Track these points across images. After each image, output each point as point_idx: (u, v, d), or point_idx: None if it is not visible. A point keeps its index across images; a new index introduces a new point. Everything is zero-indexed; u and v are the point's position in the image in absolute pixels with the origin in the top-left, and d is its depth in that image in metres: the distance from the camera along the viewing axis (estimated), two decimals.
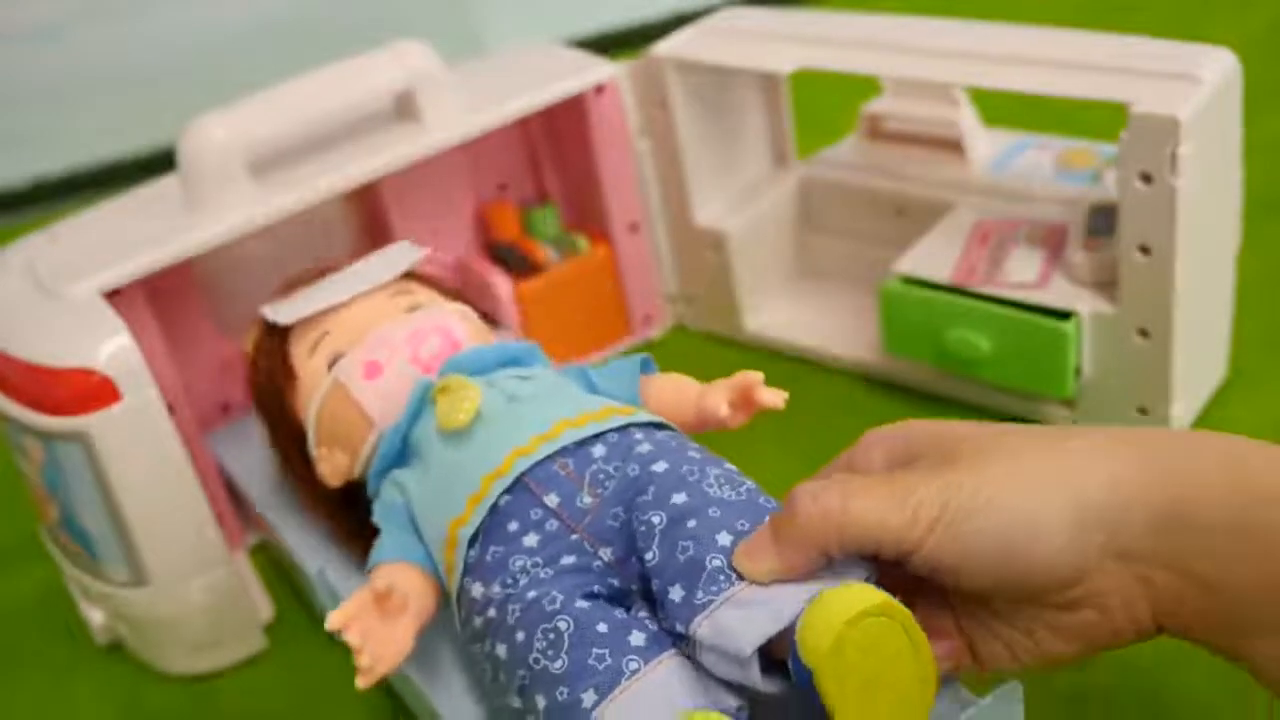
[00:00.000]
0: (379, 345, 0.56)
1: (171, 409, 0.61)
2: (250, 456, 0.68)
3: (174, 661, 0.65)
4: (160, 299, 0.67)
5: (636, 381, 0.54)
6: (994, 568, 0.40)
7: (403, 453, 0.54)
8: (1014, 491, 0.40)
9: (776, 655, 0.41)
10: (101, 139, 1.29)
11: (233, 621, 0.64)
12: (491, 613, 0.45)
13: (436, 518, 0.49)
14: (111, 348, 0.57)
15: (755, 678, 0.40)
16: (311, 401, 0.57)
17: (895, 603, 0.39)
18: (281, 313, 0.59)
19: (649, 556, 0.44)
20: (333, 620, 0.46)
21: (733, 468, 0.47)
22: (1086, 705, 0.54)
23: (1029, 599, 0.41)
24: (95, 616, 0.65)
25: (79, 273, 0.61)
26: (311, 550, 0.61)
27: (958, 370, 0.69)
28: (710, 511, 0.44)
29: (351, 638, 0.45)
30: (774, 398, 0.52)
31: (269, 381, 0.60)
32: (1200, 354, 0.66)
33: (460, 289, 0.64)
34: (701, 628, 0.41)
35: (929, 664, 0.40)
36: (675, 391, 0.54)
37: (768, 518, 0.43)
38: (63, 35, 1.26)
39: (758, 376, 0.52)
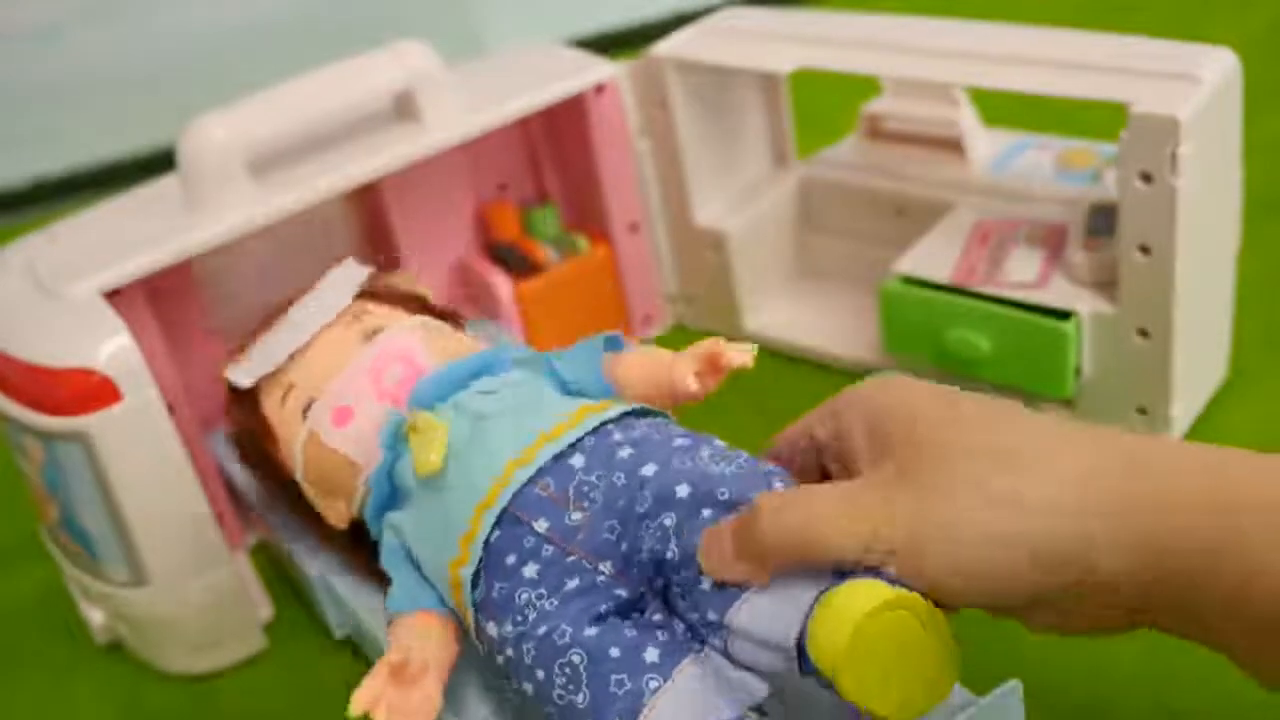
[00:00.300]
0: (344, 390, 0.55)
1: (171, 409, 0.61)
2: None
3: (174, 661, 0.65)
4: (160, 299, 0.67)
5: (598, 365, 0.53)
6: (956, 593, 0.40)
7: (393, 493, 0.53)
8: (978, 528, 0.39)
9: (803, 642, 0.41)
10: (101, 139, 1.29)
11: (232, 621, 0.64)
12: (509, 652, 0.45)
13: (436, 561, 0.49)
14: (111, 348, 0.57)
15: (794, 667, 0.41)
16: (294, 452, 0.56)
17: (905, 593, 0.39)
18: (242, 374, 0.58)
19: (669, 555, 0.44)
20: (357, 703, 0.45)
21: (722, 444, 0.47)
22: (1086, 706, 0.54)
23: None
24: (95, 616, 0.65)
25: (79, 273, 0.61)
26: (312, 552, 0.61)
27: (958, 370, 0.69)
28: (720, 494, 0.44)
29: (379, 717, 0.45)
30: (741, 356, 0.50)
31: (251, 440, 0.60)
32: (1200, 354, 0.66)
33: (415, 292, 0.62)
34: (740, 614, 0.42)
35: (947, 642, 0.40)
36: (650, 366, 0.52)
37: (734, 517, 0.42)
38: (63, 35, 1.26)
39: (720, 341, 0.50)
